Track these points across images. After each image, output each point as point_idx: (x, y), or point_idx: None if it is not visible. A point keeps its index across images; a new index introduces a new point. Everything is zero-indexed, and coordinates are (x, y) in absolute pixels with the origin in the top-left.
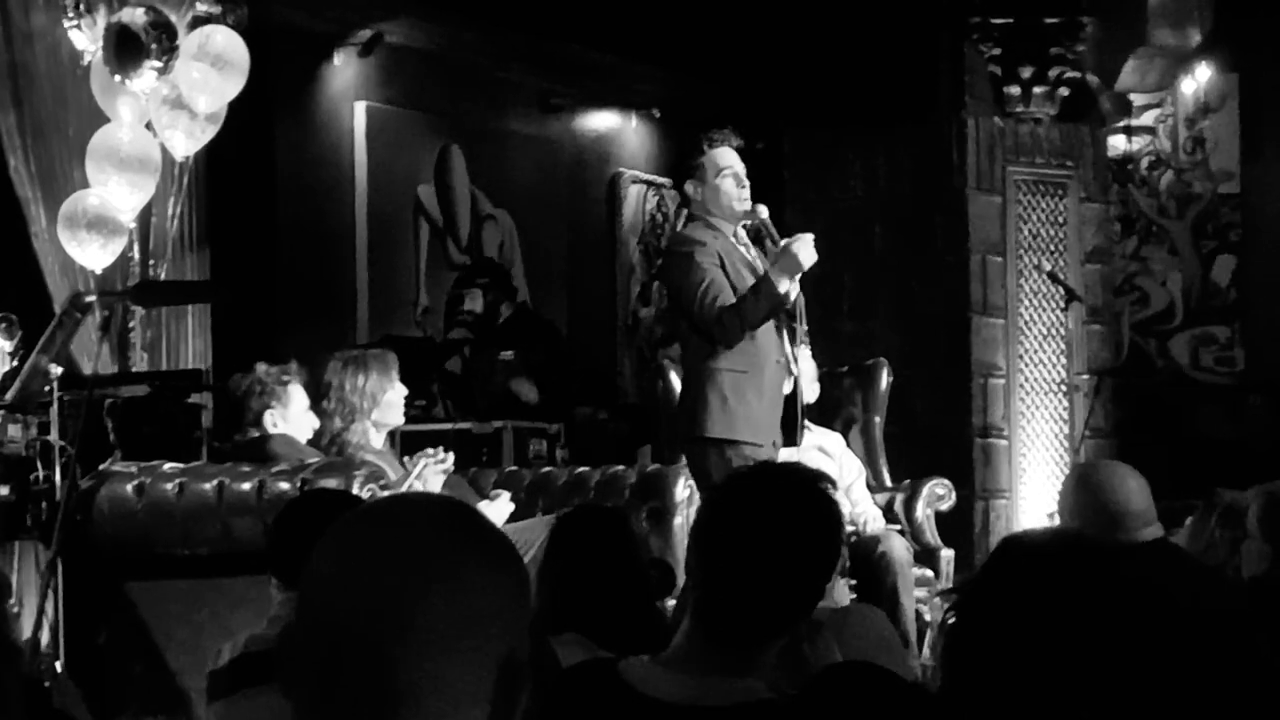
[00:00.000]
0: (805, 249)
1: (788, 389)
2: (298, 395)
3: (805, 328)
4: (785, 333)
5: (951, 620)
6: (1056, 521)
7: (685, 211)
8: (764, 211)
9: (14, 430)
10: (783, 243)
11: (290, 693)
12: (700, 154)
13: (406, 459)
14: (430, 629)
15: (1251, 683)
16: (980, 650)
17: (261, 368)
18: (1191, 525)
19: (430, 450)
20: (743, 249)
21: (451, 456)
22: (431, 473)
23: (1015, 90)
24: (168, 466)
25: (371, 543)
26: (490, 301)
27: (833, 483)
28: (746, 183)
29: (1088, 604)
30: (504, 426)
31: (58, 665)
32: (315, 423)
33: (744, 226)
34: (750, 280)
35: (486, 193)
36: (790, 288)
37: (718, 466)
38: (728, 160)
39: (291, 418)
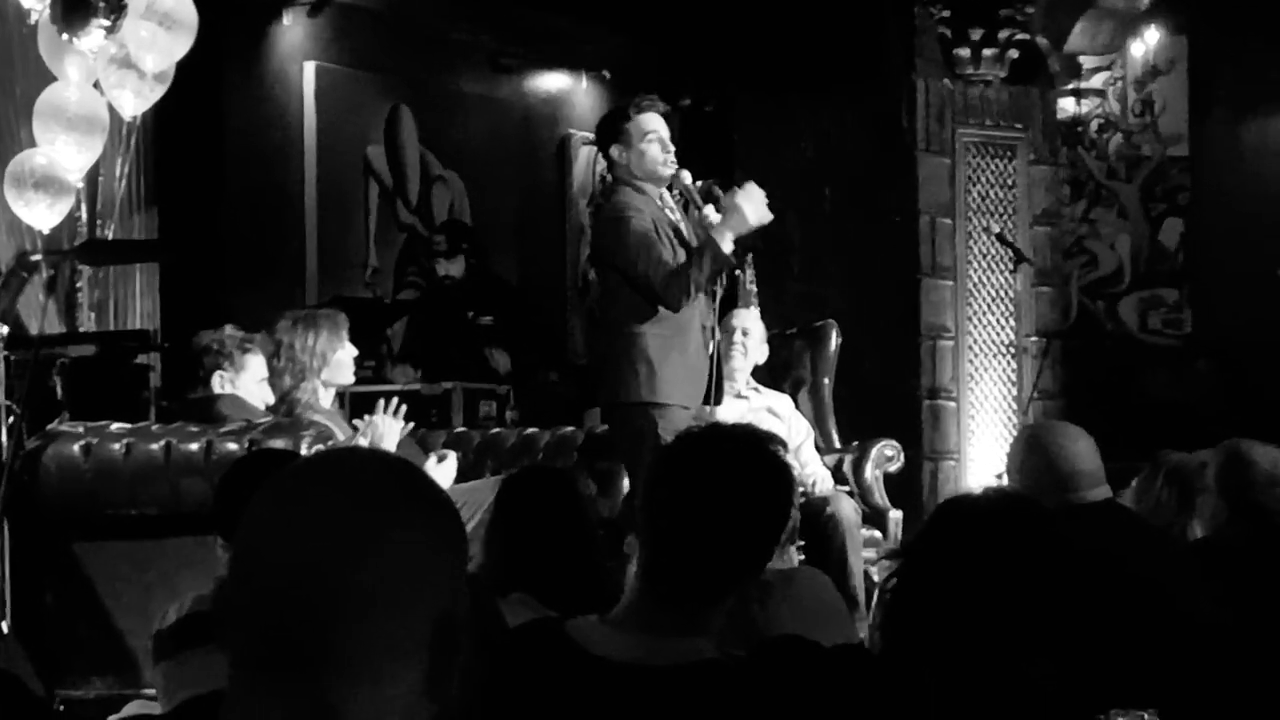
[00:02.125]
0: (751, 204)
1: (711, 349)
2: (254, 364)
3: (754, 289)
4: (712, 297)
5: (893, 583)
6: (1005, 482)
7: (608, 177)
8: (687, 177)
9: None
10: (731, 196)
11: (226, 648)
12: (626, 119)
13: (357, 421)
14: (364, 588)
15: (1189, 637)
16: (920, 611)
17: (229, 329)
18: (1137, 486)
19: (381, 403)
20: (669, 212)
21: (404, 409)
22: (388, 428)
23: (965, 52)
24: (115, 427)
25: (305, 501)
26: (473, 266)
27: (783, 444)
28: (671, 147)
29: (1026, 563)
30: (453, 387)
31: (4, 626)
32: (269, 395)
33: (671, 191)
34: (676, 245)
35: (436, 154)
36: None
37: (646, 430)
38: (652, 125)
39: (242, 384)
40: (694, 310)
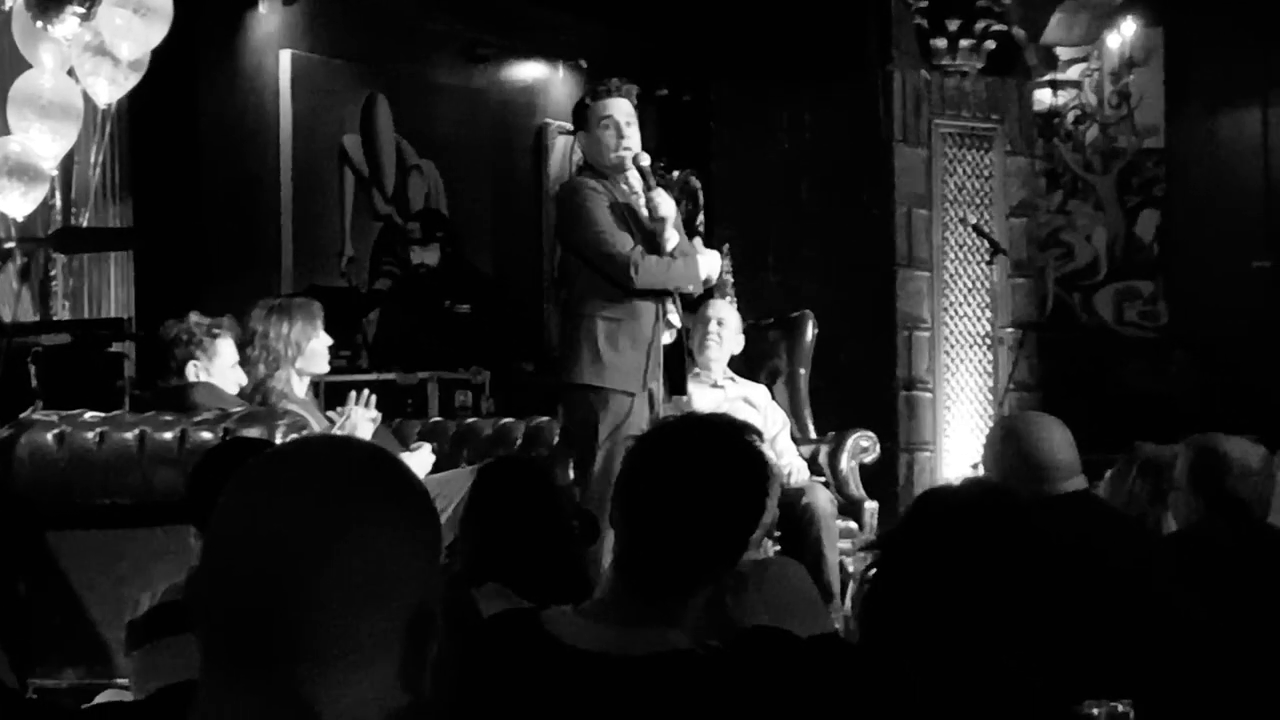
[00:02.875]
0: (709, 261)
1: (668, 339)
2: (225, 349)
3: (731, 279)
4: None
5: (871, 574)
6: (981, 473)
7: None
8: (645, 159)
9: None
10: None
11: (198, 638)
12: (586, 107)
13: (332, 413)
14: (336, 579)
15: (1165, 627)
16: (898, 602)
17: (194, 317)
18: (1112, 478)
19: (354, 394)
20: (634, 198)
21: (375, 399)
22: (361, 419)
23: (942, 43)
24: (89, 415)
25: (277, 490)
26: (449, 254)
27: (760, 434)
28: (627, 133)
29: (1003, 554)
30: (429, 377)
31: None
32: (242, 379)
33: (639, 172)
34: (627, 228)
35: (412, 143)
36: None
37: (588, 413)
38: (608, 110)
39: (216, 371)
40: (649, 299)
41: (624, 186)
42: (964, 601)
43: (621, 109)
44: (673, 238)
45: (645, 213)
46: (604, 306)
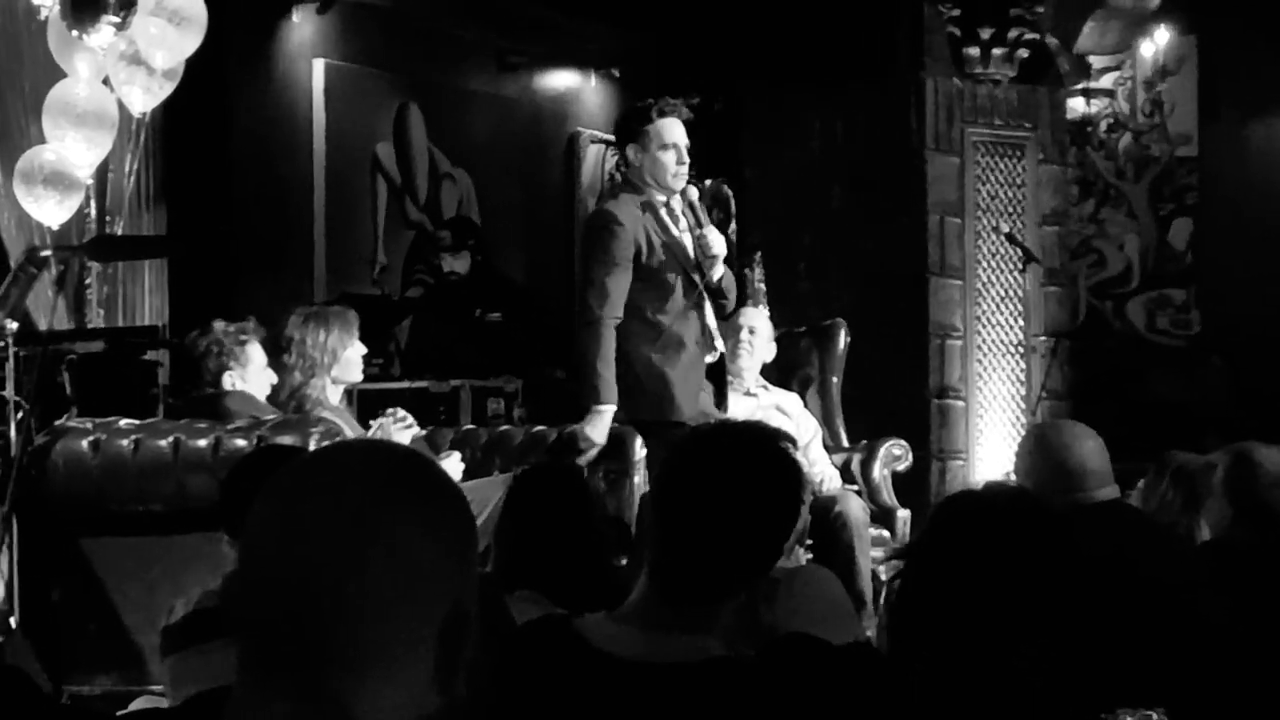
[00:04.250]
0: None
1: (711, 359)
2: (256, 354)
3: (763, 287)
4: (707, 312)
5: (898, 582)
6: (1013, 480)
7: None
8: (694, 194)
9: None
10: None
11: (234, 644)
12: (648, 121)
13: (373, 423)
14: (371, 584)
15: (1197, 636)
16: (926, 610)
17: (219, 325)
18: (1144, 486)
19: (390, 410)
20: (669, 221)
21: (411, 420)
22: (398, 434)
23: (974, 51)
24: (123, 423)
25: (311, 496)
26: (479, 262)
27: (793, 442)
28: (687, 159)
29: (1029, 559)
30: (461, 385)
31: (12, 622)
32: (273, 379)
33: (690, 207)
34: (668, 261)
35: (445, 151)
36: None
37: (649, 446)
38: (673, 135)
39: (250, 377)
40: (685, 327)
41: (661, 212)
42: (992, 608)
43: (683, 133)
44: (718, 272)
45: (688, 243)
46: (648, 343)
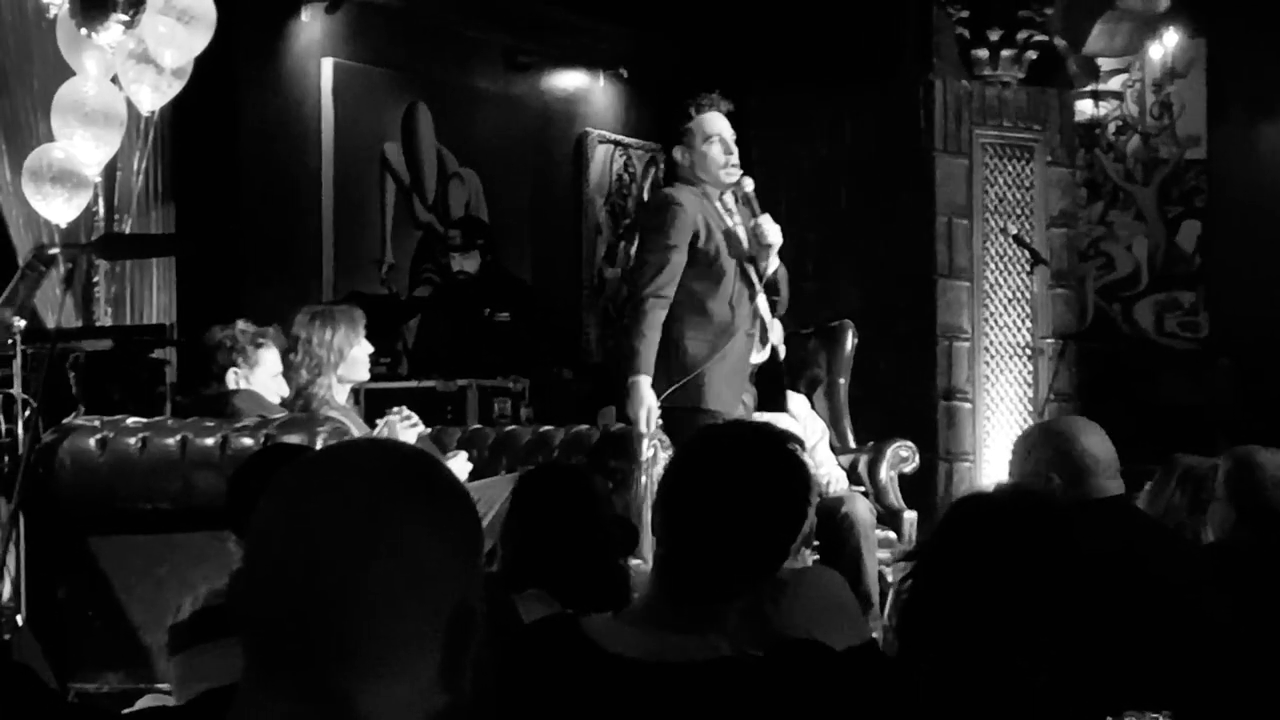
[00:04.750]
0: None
1: (761, 358)
2: (269, 359)
3: (783, 297)
4: (761, 305)
5: (908, 584)
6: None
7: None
8: (749, 184)
9: None
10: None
11: (241, 642)
12: (688, 119)
13: (379, 421)
14: (377, 583)
15: (1204, 638)
16: (936, 611)
17: (241, 324)
18: (1151, 489)
19: (396, 409)
20: (726, 215)
21: (416, 418)
22: (403, 432)
23: (983, 53)
24: (131, 421)
25: (317, 495)
26: (489, 262)
27: (800, 443)
28: (734, 149)
29: (1040, 561)
30: (468, 385)
31: (19, 619)
32: (284, 389)
33: (744, 199)
34: (725, 249)
35: (453, 151)
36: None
37: (680, 433)
38: (716, 126)
39: (256, 380)
40: (737, 316)
41: (716, 204)
42: (1000, 609)
43: (726, 125)
44: (773, 263)
45: (743, 235)
46: (695, 329)
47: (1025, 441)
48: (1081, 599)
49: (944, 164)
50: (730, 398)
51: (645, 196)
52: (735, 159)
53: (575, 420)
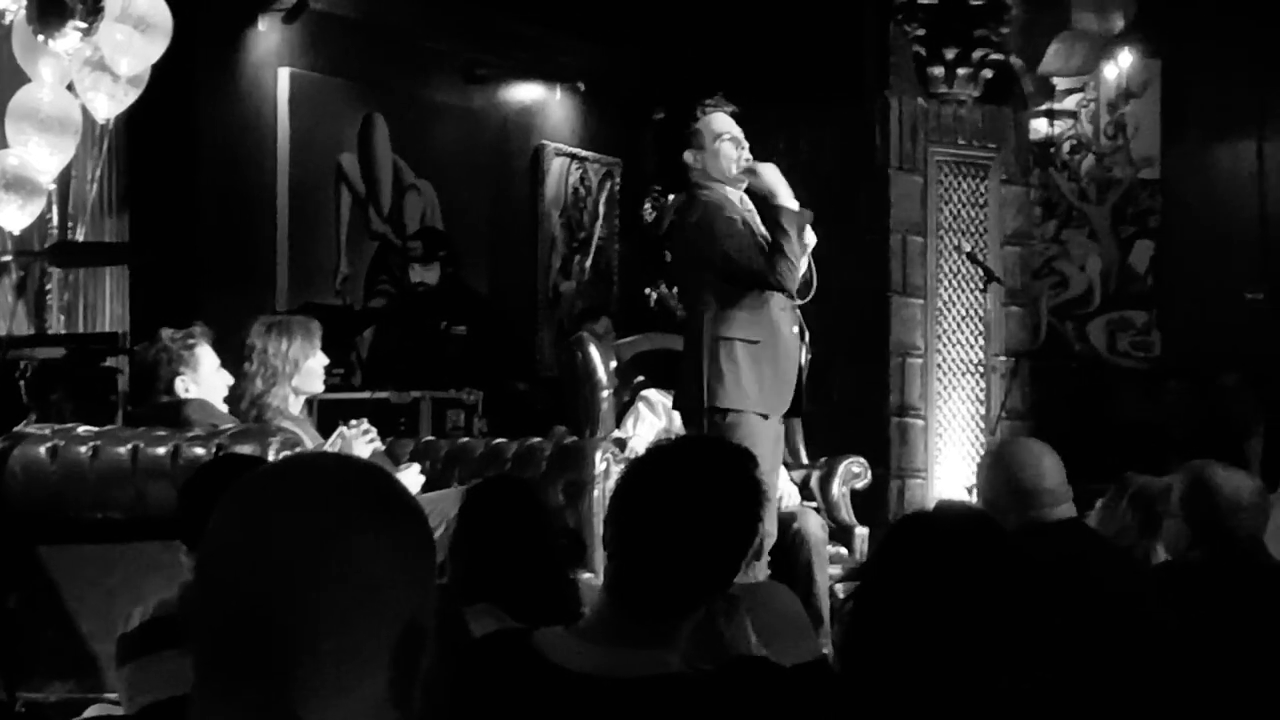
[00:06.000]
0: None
1: (803, 359)
2: (206, 356)
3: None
4: (794, 299)
5: (850, 603)
6: (974, 498)
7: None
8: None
9: None
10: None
11: (191, 654)
12: (694, 121)
13: (337, 433)
14: (329, 597)
15: (1152, 657)
16: (879, 630)
17: (166, 333)
18: (1102, 508)
19: (354, 422)
20: (748, 213)
21: (374, 432)
22: (359, 444)
23: (939, 71)
24: (82, 429)
25: (269, 508)
26: (449, 274)
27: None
28: (745, 144)
29: (984, 579)
30: (422, 397)
31: None
32: (228, 380)
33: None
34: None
35: (410, 162)
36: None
37: (730, 436)
38: (723, 125)
39: (203, 379)
40: (783, 318)
41: (737, 204)
42: (946, 627)
43: (733, 124)
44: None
45: (762, 228)
46: (745, 329)
47: (980, 466)
48: (1029, 615)
49: (899, 181)
50: (774, 403)
51: (601, 210)
52: (747, 152)
53: (529, 433)
